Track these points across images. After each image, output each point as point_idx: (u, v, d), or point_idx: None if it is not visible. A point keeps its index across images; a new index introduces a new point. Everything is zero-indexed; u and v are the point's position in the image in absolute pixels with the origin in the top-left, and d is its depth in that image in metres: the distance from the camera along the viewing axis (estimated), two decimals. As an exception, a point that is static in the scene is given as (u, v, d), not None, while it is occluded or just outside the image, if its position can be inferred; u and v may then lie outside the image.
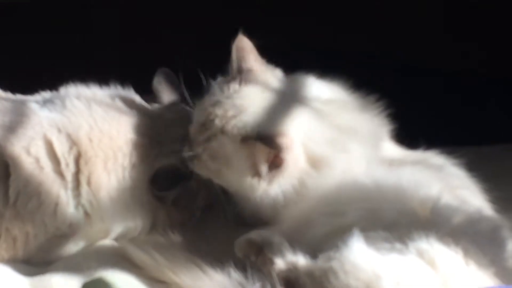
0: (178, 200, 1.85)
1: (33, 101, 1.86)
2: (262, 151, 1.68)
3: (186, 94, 1.91)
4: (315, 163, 1.73)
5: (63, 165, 1.74)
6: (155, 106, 1.97)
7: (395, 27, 2.54)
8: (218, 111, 1.75)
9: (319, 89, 1.84)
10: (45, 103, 1.85)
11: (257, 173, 1.71)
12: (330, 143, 1.74)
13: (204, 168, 1.78)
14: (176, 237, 1.76)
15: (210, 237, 1.82)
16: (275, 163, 1.69)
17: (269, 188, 1.72)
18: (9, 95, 1.91)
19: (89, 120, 1.80)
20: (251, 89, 1.79)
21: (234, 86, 1.79)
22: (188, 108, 1.87)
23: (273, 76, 1.85)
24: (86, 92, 1.90)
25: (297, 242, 1.59)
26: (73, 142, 1.76)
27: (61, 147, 1.75)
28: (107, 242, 1.81)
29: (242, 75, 1.80)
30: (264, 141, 1.67)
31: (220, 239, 1.78)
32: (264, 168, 1.69)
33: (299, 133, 1.72)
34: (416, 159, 1.81)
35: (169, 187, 1.82)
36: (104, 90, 1.93)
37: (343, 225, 1.54)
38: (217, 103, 1.77)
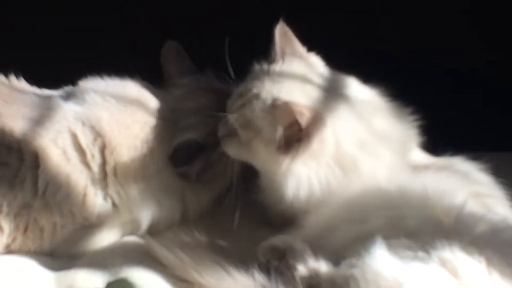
0: (201, 174, 1.88)
1: (58, 95, 1.90)
2: (287, 114, 1.69)
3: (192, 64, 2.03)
4: (342, 162, 1.75)
5: (88, 156, 1.79)
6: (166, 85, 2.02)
7: (425, 28, 2.50)
8: (257, 82, 1.81)
9: (358, 90, 1.87)
10: (68, 96, 1.89)
11: (281, 146, 1.73)
12: (362, 145, 1.76)
13: (234, 144, 1.83)
14: (201, 237, 1.78)
15: (235, 237, 1.82)
16: (298, 136, 1.70)
17: (293, 165, 1.74)
18: (35, 89, 1.94)
19: (106, 111, 1.84)
20: (293, 69, 1.84)
21: (275, 66, 1.84)
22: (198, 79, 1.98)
23: (315, 63, 1.90)
24: (100, 84, 1.94)
25: (320, 247, 1.59)
26: (97, 134, 1.81)
27: (85, 139, 1.79)
28: (134, 238, 1.84)
29: (285, 57, 1.85)
30: (293, 105, 1.69)
31: (245, 240, 1.78)
32: (279, 132, 1.71)
33: (333, 124, 1.73)
34: (442, 165, 1.81)
35: (188, 161, 1.86)
36: (115, 81, 1.97)
37: (366, 232, 1.54)
38: (257, 77, 1.83)
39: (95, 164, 1.79)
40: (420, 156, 1.90)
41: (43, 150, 1.75)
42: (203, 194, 1.92)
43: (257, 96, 1.78)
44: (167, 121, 1.89)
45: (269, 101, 1.76)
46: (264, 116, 1.76)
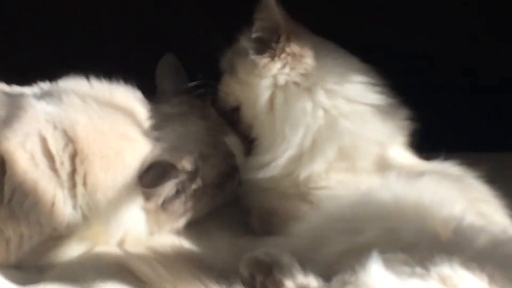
0: (168, 203, 1.77)
1: (31, 94, 1.79)
2: (267, 7, 1.75)
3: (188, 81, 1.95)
4: (312, 89, 1.77)
5: (58, 163, 1.68)
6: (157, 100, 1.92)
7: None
8: None
9: None
10: (42, 95, 1.78)
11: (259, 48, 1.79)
12: (335, 95, 1.77)
13: (227, 79, 1.86)
14: (180, 248, 1.70)
15: (217, 248, 1.72)
16: (277, 35, 1.76)
17: (271, 66, 1.77)
18: (4, 86, 1.83)
19: (84, 115, 1.73)
20: None
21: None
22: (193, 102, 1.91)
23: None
24: (84, 85, 1.83)
25: (309, 260, 1.50)
26: (69, 139, 1.69)
27: (56, 144, 1.68)
28: (107, 249, 1.72)
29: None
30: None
31: (227, 250, 1.69)
32: (258, 25, 1.77)
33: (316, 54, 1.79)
34: (435, 170, 1.74)
35: (157, 182, 1.73)
36: (103, 84, 1.85)
37: (359, 245, 1.46)
38: None
39: (64, 172, 1.68)
40: (411, 159, 1.84)
41: (10, 155, 1.63)
42: (165, 224, 1.79)
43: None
44: (147, 138, 1.78)
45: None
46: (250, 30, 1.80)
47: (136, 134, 1.77)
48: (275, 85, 1.77)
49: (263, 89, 1.78)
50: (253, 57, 1.79)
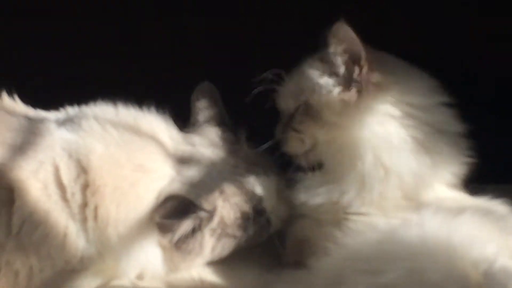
0: (183, 241, 1.66)
1: (54, 119, 1.73)
2: (344, 31, 1.65)
3: (224, 113, 1.87)
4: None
5: (69, 194, 1.60)
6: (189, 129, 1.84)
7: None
8: None
9: None
10: (65, 121, 1.72)
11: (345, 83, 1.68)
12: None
13: (300, 119, 1.73)
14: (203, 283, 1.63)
15: (243, 284, 1.66)
16: (359, 63, 1.66)
17: (366, 101, 1.65)
18: (29, 110, 1.77)
19: (101, 143, 1.66)
20: None
21: None
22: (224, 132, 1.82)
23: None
24: (108, 111, 1.76)
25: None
26: (82, 170, 1.62)
27: (68, 174, 1.61)
28: (123, 283, 1.65)
29: None
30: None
31: (253, 286, 1.63)
32: (340, 55, 1.67)
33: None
34: (479, 207, 1.62)
35: (173, 215, 1.62)
36: (129, 110, 1.78)
37: (379, 286, 1.36)
38: None
39: (75, 204, 1.60)
40: (454, 194, 1.72)
41: (21, 183, 1.57)
42: (179, 263, 1.68)
43: None
44: (171, 169, 1.70)
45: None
46: (321, 58, 1.71)
47: (155, 165, 1.68)
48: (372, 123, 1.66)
49: (361, 129, 1.65)
50: (341, 95, 1.67)
